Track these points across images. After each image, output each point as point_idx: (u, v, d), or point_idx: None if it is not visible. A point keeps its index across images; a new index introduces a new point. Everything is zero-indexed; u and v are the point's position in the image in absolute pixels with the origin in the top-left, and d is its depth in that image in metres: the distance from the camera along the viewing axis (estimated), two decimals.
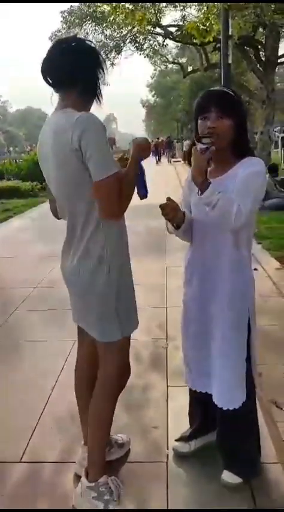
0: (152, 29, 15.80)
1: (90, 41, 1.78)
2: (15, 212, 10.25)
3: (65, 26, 17.63)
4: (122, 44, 17.44)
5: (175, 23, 16.79)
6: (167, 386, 2.73)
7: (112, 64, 17.48)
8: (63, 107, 1.70)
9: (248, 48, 14.16)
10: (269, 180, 8.21)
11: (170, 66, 30.31)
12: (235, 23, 9.31)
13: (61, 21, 17.85)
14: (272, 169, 9.42)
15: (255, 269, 2.02)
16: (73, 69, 1.67)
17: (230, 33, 7.90)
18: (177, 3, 14.65)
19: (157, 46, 18.95)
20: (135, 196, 1.82)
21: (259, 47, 14.10)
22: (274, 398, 2.53)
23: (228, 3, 7.48)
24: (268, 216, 7.45)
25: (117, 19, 12.61)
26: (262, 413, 2.31)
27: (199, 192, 1.66)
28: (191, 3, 13.82)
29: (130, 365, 1.93)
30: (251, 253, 1.94)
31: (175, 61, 27.66)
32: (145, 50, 18.51)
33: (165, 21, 16.87)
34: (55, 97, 1.73)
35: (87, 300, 1.79)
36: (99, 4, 14.37)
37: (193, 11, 14.41)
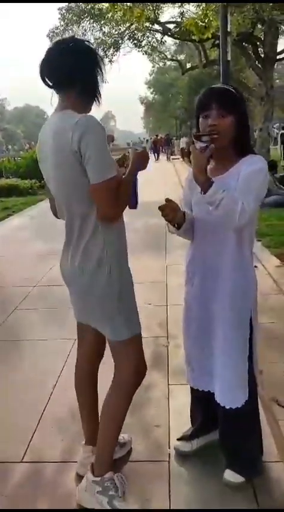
0: (150, 25, 15.75)
1: (88, 41, 1.78)
2: (14, 210, 10.24)
3: (62, 23, 17.54)
4: (120, 41, 17.35)
5: (174, 20, 16.73)
6: (168, 384, 2.73)
7: (111, 61, 17.39)
8: (63, 108, 1.70)
9: (247, 45, 14.11)
10: (269, 177, 8.20)
11: (168, 63, 30.24)
12: (233, 19, 9.29)
13: (59, 18, 17.77)
14: (271, 166, 9.42)
15: (255, 266, 2.01)
16: (72, 70, 1.67)
17: (229, 29, 7.86)
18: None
19: (156, 43, 18.87)
20: None
21: (258, 43, 14.05)
22: (275, 396, 2.52)
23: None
24: (268, 213, 7.44)
25: (115, 16, 12.57)
26: (264, 411, 2.30)
27: (202, 192, 1.65)
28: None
29: (145, 363, 1.92)
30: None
31: (174, 58, 27.60)
32: (144, 47, 18.42)
33: (163, 18, 16.82)
34: (55, 98, 1.73)
35: (89, 301, 1.79)
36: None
37: (191, 8, 14.34)
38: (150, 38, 18.32)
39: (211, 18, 9.04)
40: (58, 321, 3.72)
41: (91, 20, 16.62)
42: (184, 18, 14.59)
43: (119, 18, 12.72)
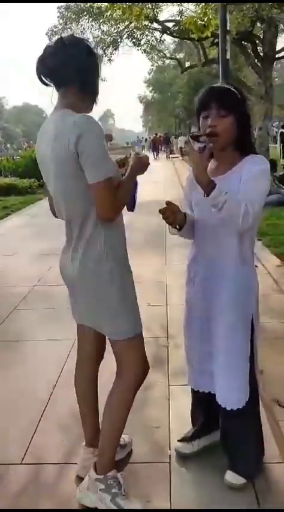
0: (149, 24, 15.70)
1: (86, 40, 1.78)
2: (12, 210, 10.22)
3: (61, 21, 17.49)
4: (119, 40, 17.30)
5: (173, 18, 16.69)
6: (168, 385, 2.72)
7: (110, 60, 17.35)
8: (62, 106, 1.70)
9: (246, 43, 14.07)
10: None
11: (167, 61, 30.14)
12: (233, 18, 9.25)
13: (58, 16, 17.71)
14: (271, 165, 9.39)
15: (255, 266, 2.00)
16: (70, 69, 1.67)
17: (228, 28, 7.83)
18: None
19: (155, 41, 18.82)
20: None
21: (257, 42, 14.02)
22: (275, 397, 2.51)
23: None
24: (268, 212, 7.42)
25: (114, 14, 12.53)
26: (265, 412, 2.29)
27: (205, 195, 1.63)
28: None
29: (148, 361, 1.90)
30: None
31: (173, 56, 27.53)
32: (143, 45, 18.36)
33: (162, 17, 16.80)
34: (55, 96, 1.72)
35: (91, 302, 1.78)
36: None
37: (190, 6, 14.31)
38: (149, 37, 18.26)
39: (210, 17, 9.00)
40: (57, 320, 3.70)
41: (90, 19, 16.57)
42: (183, 17, 14.55)
43: (118, 16, 12.67)
